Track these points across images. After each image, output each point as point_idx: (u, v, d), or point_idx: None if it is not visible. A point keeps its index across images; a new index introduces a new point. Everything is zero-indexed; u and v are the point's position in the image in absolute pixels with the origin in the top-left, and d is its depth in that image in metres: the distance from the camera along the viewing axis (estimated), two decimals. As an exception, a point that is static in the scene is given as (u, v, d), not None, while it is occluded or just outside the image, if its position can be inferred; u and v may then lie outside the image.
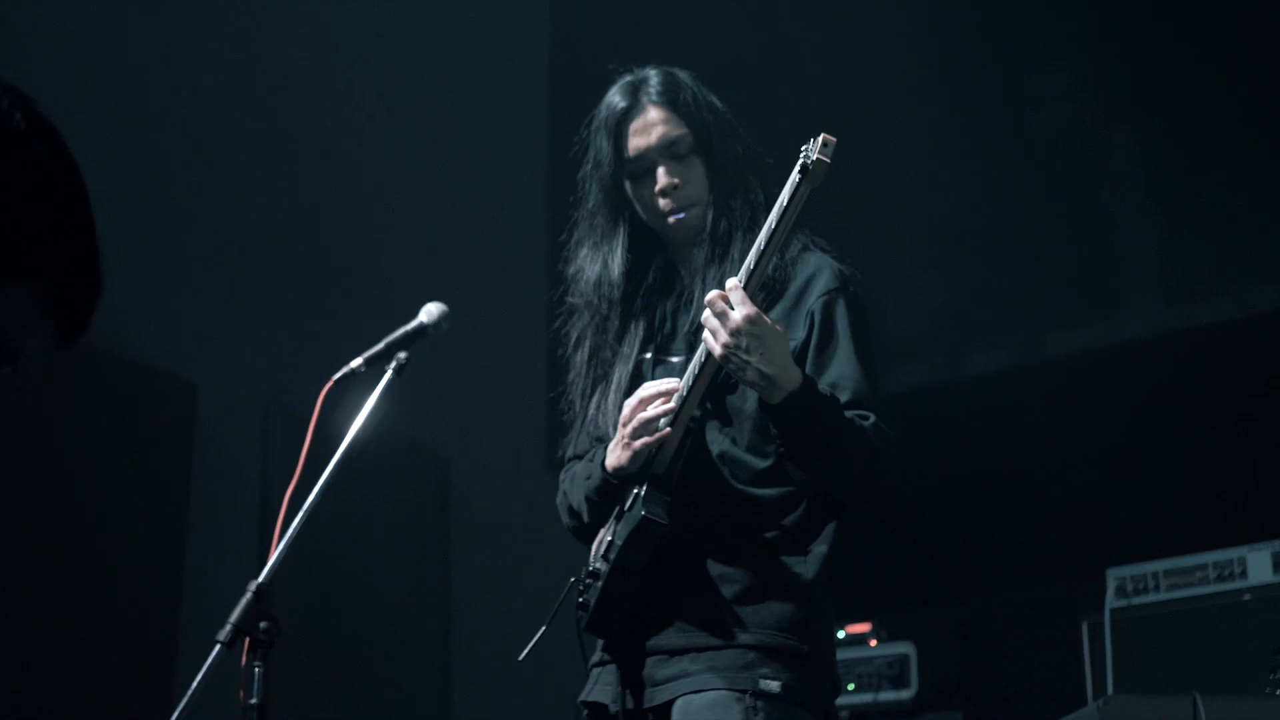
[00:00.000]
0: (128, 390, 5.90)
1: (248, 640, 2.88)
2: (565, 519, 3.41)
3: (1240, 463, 6.24)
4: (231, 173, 6.57)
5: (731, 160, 3.28)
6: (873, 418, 3.06)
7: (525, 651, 3.32)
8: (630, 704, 3.13)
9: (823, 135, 2.80)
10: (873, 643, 6.31)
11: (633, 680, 3.15)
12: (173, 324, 6.20)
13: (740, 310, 2.91)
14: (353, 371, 3.26)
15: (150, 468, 5.90)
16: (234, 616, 2.87)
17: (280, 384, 6.55)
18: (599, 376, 3.35)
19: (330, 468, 3.11)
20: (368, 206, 7.18)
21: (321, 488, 3.06)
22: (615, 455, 3.15)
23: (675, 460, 3.12)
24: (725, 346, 2.92)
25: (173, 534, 5.93)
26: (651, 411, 3.09)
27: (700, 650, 3.07)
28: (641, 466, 3.12)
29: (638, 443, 3.09)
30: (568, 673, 3.52)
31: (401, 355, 3.28)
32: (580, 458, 3.42)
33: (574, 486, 3.34)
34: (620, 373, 3.30)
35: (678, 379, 3.12)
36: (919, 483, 5.65)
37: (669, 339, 3.30)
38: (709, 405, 3.15)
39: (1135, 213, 6.73)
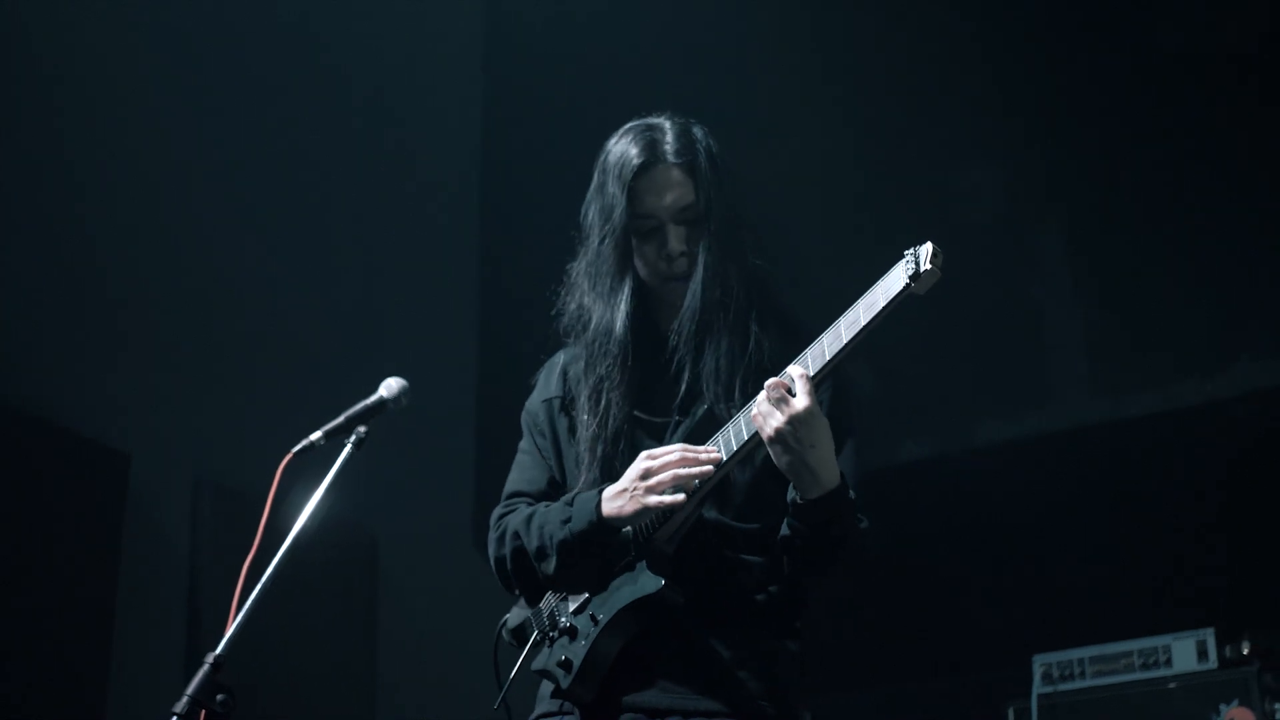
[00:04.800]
0: (61, 459, 5.86)
1: (204, 713, 2.85)
2: (506, 557, 3.26)
3: (1165, 552, 6.34)
4: (167, 247, 6.55)
5: (730, 229, 3.25)
6: (866, 521, 3.07)
7: (499, 700, 3.25)
8: None
9: (930, 244, 2.77)
10: (798, 726, 6.32)
11: None
12: (107, 395, 6.17)
13: (803, 400, 2.88)
14: (311, 445, 3.23)
15: (81, 536, 5.85)
16: (191, 688, 2.82)
17: (212, 457, 6.53)
18: (593, 417, 3.27)
19: (289, 540, 3.09)
20: (299, 284, 7.18)
21: (280, 560, 3.05)
22: (617, 504, 3.06)
23: (679, 530, 3.08)
24: (778, 431, 2.88)
25: (102, 603, 5.88)
26: (685, 471, 3.01)
27: (687, 715, 3.04)
28: (642, 528, 3.07)
29: (652, 499, 3.01)
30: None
31: (361, 429, 3.27)
32: (525, 495, 3.34)
33: (538, 527, 3.20)
34: (605, 425, 3.24)
35: (713, 449, 3.05)
36: (846, 568, 5.68)
37: (654, 399, 3.25)
38: None
39: (1062, 307, 6.88)
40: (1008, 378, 6.91)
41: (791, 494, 3.01)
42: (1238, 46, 6.75)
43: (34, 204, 6.04)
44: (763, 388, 2.95)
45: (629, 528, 3.09)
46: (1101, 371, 6.74)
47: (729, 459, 3.02)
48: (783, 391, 2.90)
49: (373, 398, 3.33)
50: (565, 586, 3.21)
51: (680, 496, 3.00)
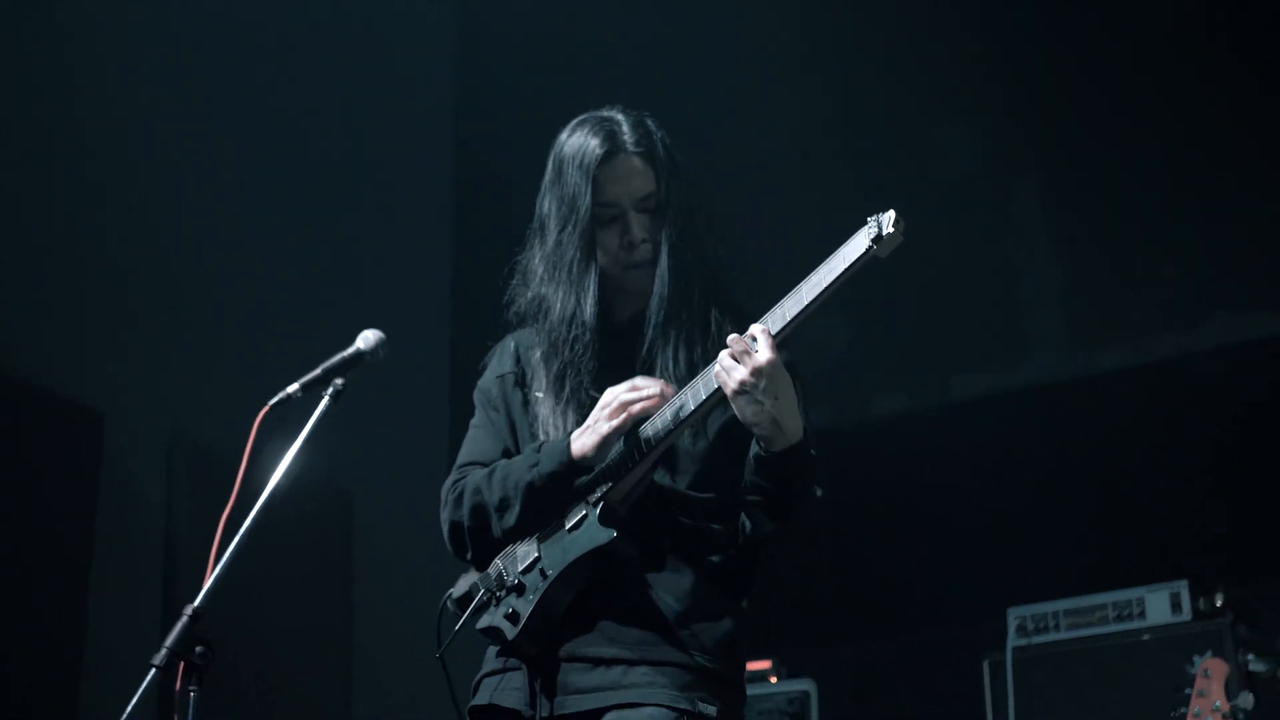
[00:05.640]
0: (34, 418, 5.85)
1: (182, 664, 2.85)
2: (464, 516, 3.26)
3: (1139, 504, 6.36)
4: (138, 206, 6.53)
5: (689, 217, 3.32)
6: (820, 491, 3.14)
7: (443, 647, 3.26)
8: (545, 710, 3.09)
9: (893, 211, 2.85)
10: (773, 680, 6.33)
11: (544, 686, 3.12)
12: (79, 354, 6.16)
13: (765, 353, 2.93)
14: (288, 397, 3.23)
15: (56, 495, 5.85)
16: (170, 640, 2.83)
17: (186, 415, 6.52)
18: (557, 403, 3.31)
19: (266, 493, 3.08)
20: (272, 241, 7.16)
21: (257, 513, 3.04)
22: (581, 442, 3.12)
23: (634, 490, 3.13)
24: (743, 384, 2.94)
25: (78, 560, 5.87)
26: (632, 395, 3.09)
27: (633, 664, 3.07)
28: (602, 475, 3.11)
29: (605, 426, 3.09)
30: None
31: (338, 382, 3.26)
32: (479, 464, 3.35)
33: (500, 478, 3.22)
34: (569, 410, 3.27)
35: (665, 381, 3.13)
36: (821, 521, 5.70)
37: (613, 382, 3.24)
38: None
39: (1038, 261, 6.90)
40: (983, 333, 6.92)
41: (755, 449, 3.07)
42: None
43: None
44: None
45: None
46: (1075, 325, 6.77)
47: (690, 413, 3.07)
48: (745, 345, 2.96)
49: (349, 350, 3.33)
50: (519, 534, 3.22)
51: (625, 415, 3.08)
